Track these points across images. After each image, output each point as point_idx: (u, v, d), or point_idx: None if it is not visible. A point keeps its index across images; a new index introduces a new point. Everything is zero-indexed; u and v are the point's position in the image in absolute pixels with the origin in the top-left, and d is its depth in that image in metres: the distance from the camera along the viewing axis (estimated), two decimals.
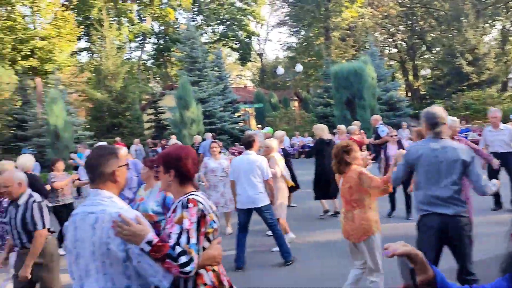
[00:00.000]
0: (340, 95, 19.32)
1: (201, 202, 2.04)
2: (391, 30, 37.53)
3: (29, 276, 3.64)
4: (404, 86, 40.33)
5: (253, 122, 29.08)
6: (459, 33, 26.66)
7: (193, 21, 40.82)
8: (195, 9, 44.25)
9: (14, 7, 24.02)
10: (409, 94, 38.69)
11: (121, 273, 1.91)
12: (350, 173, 3.86)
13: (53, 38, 24.16)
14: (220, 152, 7.83)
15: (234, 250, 5.55)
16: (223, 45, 45.71)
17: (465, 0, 27.06)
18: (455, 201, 3.32)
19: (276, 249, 5.70)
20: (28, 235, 3.70)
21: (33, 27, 24.98)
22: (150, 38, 42.97)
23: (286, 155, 7.92)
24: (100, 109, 24.77)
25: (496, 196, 7.20)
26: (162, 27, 42.58)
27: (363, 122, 12.98)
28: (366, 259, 3.87)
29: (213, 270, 2.08)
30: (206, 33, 45.33)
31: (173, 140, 14.45)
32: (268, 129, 10.35)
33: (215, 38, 45.69)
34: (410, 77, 39.76)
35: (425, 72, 32.46)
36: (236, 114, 26.60)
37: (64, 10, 26.59)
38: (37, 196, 3.81)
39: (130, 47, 41.61)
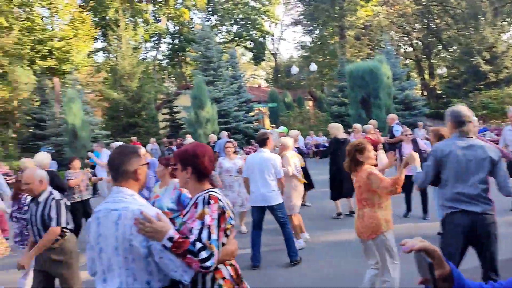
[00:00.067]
0: (355, 94, 19.23)
1: (220, 199, 2.08)
2: (406, 28, 37.17)
3: (26, 266, 3.73)
4: (420, 85, 39.81)
5: (267, 121, 29.06)
6: (476, 31, 26.26)
7: (208, 21, 41.06)
8: (210, 9, 44.47)
9: (33, 9, 24.47)
10: (425, 93, 38.27)
11: (143, 269, 1.96)
12: (361, 172, 3.83)
13: (71, 38, 24.54)
14: (235, 152, 7.87)
15: (249, 249, 5.57)
16: (237, 45, 45.84)
17: None
18: (483, 199, 3.30)
19: None
20: None
21: (51, 28, 25.41)
22: (165, 38, 43.30)
23: (301, 154, 7.92)
24: (116, 108, 25.09)
25: None
26: (177, 27, 42.84)
27: (379, 122, 12.87)
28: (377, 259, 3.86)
29: (231, 265, 2.13)
30: (220, 33, 45.50)
31: (189, 139, 14.56)
32: (282, 129, 10.35)
33: (229, 38, 45.83)
34: (426, 76, 39.32)
35: (441, 71, 32.08)
36: (251, 114, 26.64)
37: (81, 11, 26.95)
38: (56, 194, 3.87)
39: (146, 47, 42.10)
